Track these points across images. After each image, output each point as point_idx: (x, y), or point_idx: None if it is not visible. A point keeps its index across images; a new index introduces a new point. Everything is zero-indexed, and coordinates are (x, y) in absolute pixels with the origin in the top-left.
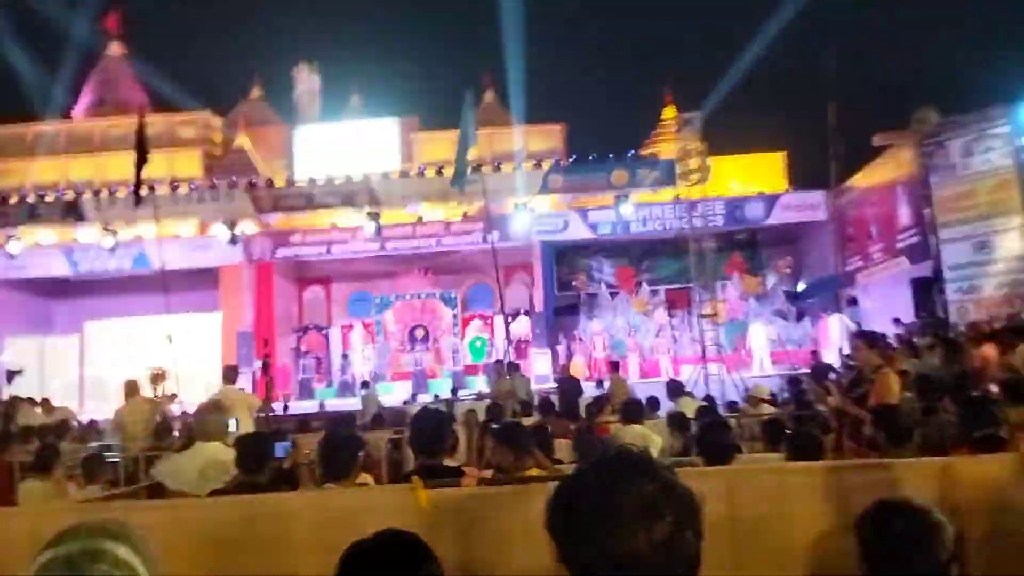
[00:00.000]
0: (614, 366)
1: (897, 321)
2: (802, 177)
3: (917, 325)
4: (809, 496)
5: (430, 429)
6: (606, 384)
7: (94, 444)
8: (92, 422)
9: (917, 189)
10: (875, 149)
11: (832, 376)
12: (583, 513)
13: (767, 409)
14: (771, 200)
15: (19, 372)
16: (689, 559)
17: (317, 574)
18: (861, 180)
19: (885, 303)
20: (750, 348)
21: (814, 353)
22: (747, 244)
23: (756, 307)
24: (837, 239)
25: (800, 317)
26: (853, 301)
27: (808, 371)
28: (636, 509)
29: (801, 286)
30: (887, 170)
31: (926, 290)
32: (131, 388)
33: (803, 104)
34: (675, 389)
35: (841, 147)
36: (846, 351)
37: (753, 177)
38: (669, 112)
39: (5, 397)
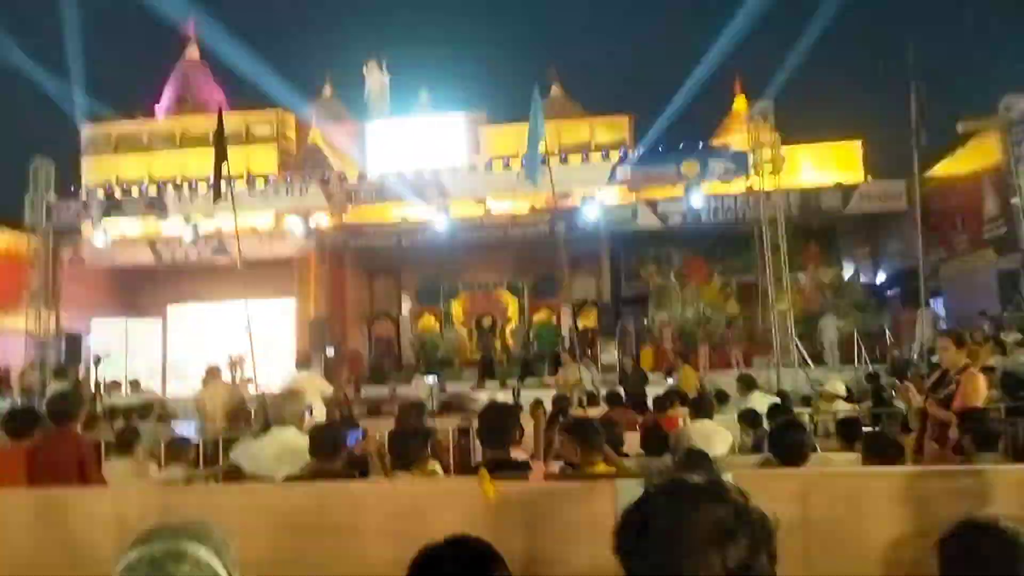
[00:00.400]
0: (684, 357)
1: (983, 314)
2: (881, 166)
3: (1004, 320)
4: (887, 501)
5: (497, 423)
6: (675, 376)
7: (175, 425)
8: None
9: (1004, 178)
10: (959, 137)
11: (909, 373)
12: (655, 537)
13: (842, 406)
14: (848, 190)
15: (106, 356)
16: None
17: (386, 560)
18: (945, 169)
19: (969, 296)
20: (823, 342)
21: (894, 348)
22: (823, 234)
23: (831, 299)
24: (919, 229)
25: (879, 310)
26: (936, 294)
27: (886, 367)
28: (710, 533)
29: (880, 278)
30: (972, 158)
31: (1013, 283)
32: (211, 373)
33: (881, 90)
34: (748, 383)
35: (923, 134)
36: (928, 346)
37: (829, 166)
38: (740, 101)
39: (93, 378)
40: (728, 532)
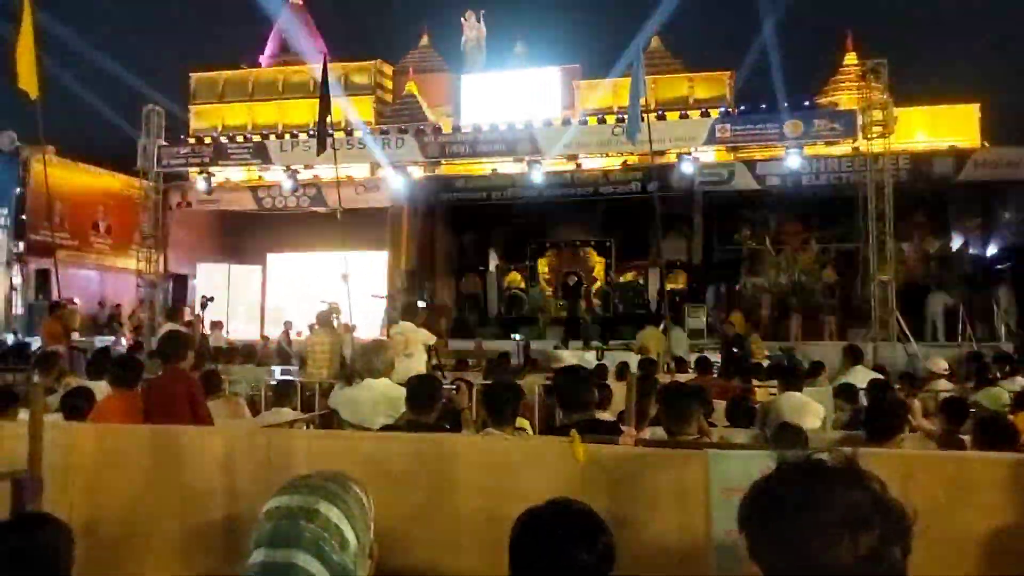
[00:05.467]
0: (755, 326)
1: None
2: (1000, 131)
3: None
4: (992, 489)
5: (574, 388)
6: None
7: (278, 370)
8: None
9: None
10: None
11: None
12: (785, 514)
13: (943, 384)
14: (963, 155)
15: (211, 299)
16: None
17: (478, 514)
18: None
19: None
20: (928, 316)
21: (1008, 327)
22: (932, 202)
23: (938, 271)
24: None
25: (988, 285)
26: None
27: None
28: (843, 516)
29: (991, 251)
30: None
31: None
32: (320, 320)
33: (1003, 49)
34: (854, 356)
35: None
36: None
37: (943, 130)
38: (851, 58)
39: (202, 319)
40: (862, 518)
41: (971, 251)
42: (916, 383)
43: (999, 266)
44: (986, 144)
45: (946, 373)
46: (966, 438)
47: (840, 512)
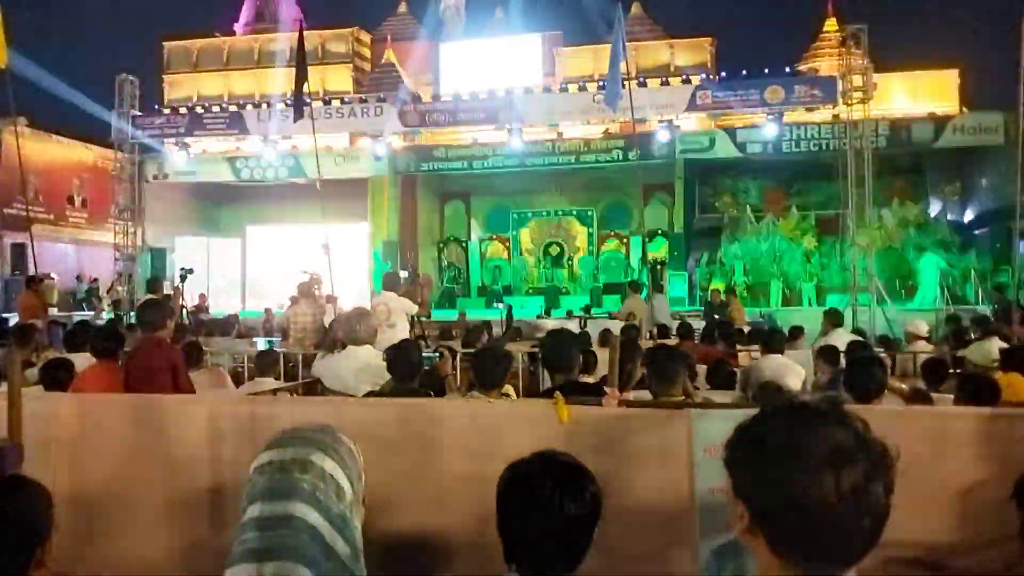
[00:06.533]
0: (732, 292)
1: None
2: (977, 97)
3: None
4: (972, 443)
5: (561, 350)
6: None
7: (258, 340)
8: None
9: None
10: None
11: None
12: (769, 453)
13: (922, 346)
14: (941, 121)
15: (191, 271)
16: (877, 514)
17: (464, 475)
18: None
19: None
20: (914, 281)
21: (998, 289)
22: (910, 168)
23: (916, 236)
24: (1019, 165)
25: (966, 249)
26: None
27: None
28: (827, 454)
29: (968, 216)
30: None
31: None
32: (302, 291)
33: (982, 16)
34: (834, 319)
35: None
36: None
37: (922, 96)
38: (831, 24)
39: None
40: (846, 455)
41: (949, 216)
42: (893, 346)
43: (976, 231)
44: (965, 110)
45: (926, 335)
46: (936, 396)
47: (824, 450)
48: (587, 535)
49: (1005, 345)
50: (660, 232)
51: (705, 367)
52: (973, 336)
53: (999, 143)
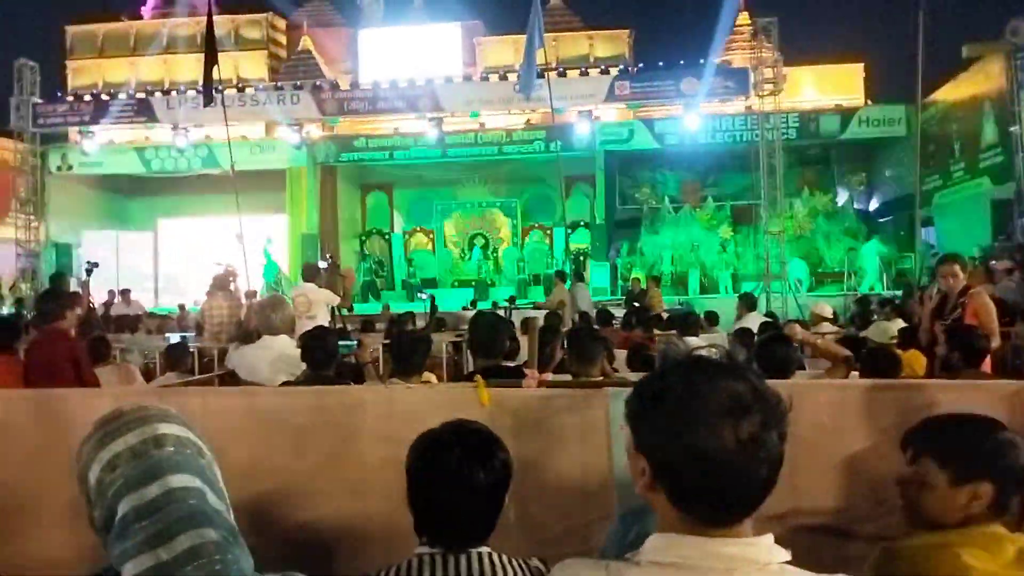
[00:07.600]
0: (655, 280)
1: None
2: (882, 89)
3: (995, 249)
4: (871, 412)
5: (488, 331)
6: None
7: (172, 336)
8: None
9: (1005, 105)
10: (963, 62)
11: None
12: (669, 405)
13: (828, 328)
14: (848, 113)
15: (96, 265)
16: (772, 461)
17: (383, 461)
18: (946, 94)
19: (962, 225)
20: (859, 267)
21: (900, 275)
22: (819, 159)
23: (825, 225)
24: (917, 156)
25: (871, 237)
26: (928, 222)
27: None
28: (723, 405)
29: (874, 205)
30: (974, 84)
31: (1006, 213)
32: (217, 283)
33: (885, 11)
34: (748, 303)
35: (926, 58)
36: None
37: (830, 88)
38: (744, 18)
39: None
40: (743, 405)
41: (856, 206)
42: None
43: (881, 219)
44: (870, 102)
45: (830, 317)
46: None
47: (721, 400)
48: (497, 504)
49: (905, 324)
50: (583, 223)
51: (625, 352)
52: (877, 317)
53: (902, 135)
